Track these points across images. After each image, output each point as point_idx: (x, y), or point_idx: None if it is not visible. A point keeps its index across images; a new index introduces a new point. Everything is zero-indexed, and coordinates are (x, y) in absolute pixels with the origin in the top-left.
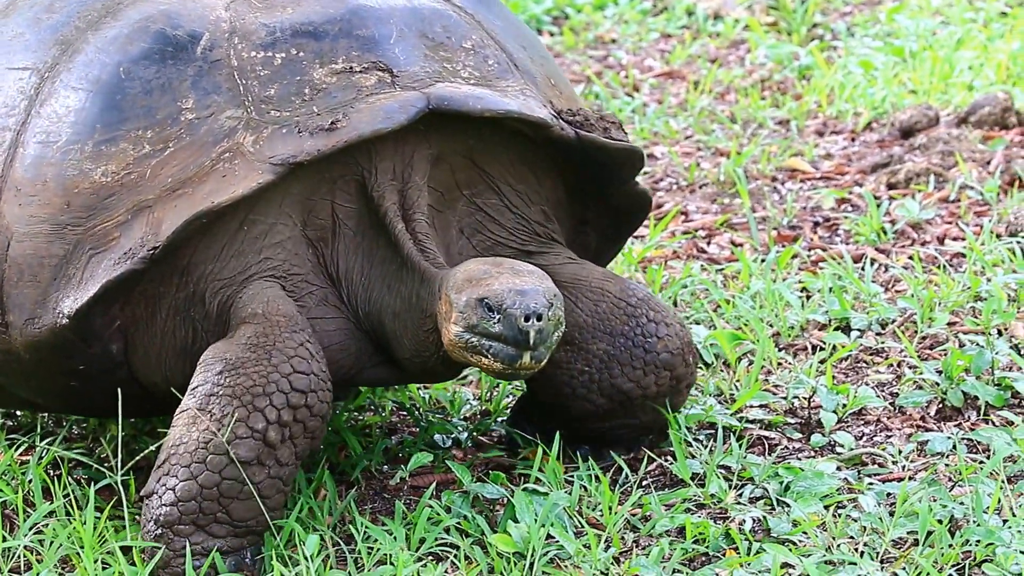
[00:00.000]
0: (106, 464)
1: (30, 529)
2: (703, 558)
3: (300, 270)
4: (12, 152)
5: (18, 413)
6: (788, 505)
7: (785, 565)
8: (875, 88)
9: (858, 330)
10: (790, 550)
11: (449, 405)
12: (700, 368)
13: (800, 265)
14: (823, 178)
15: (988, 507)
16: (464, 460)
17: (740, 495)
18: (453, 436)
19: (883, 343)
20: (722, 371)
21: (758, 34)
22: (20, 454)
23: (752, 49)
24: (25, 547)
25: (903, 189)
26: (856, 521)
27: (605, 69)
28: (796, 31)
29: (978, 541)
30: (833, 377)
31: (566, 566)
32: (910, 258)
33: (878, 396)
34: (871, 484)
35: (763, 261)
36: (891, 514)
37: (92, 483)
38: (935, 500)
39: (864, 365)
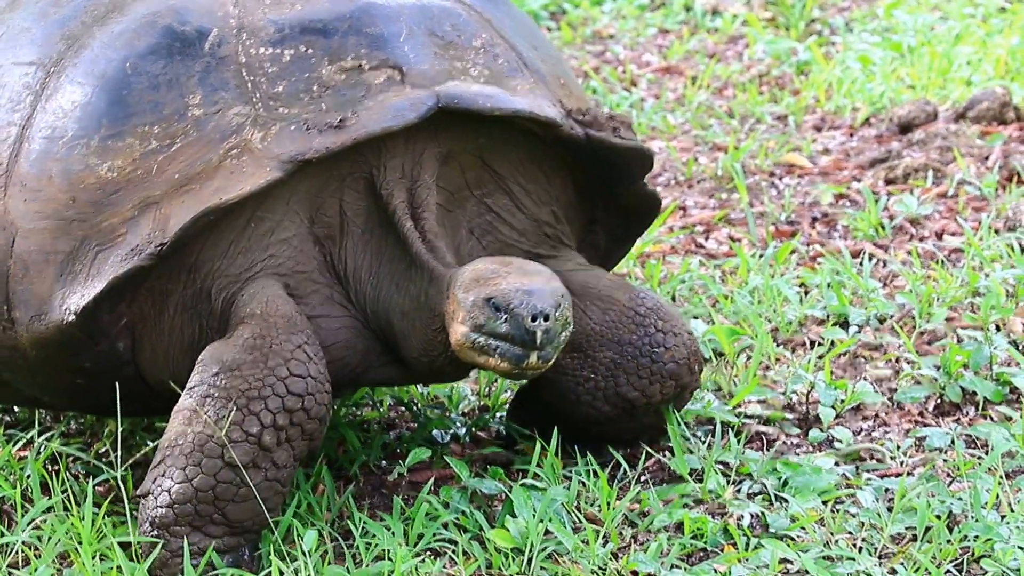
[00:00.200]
0: (104, 460)
1: (28, 525)
2: (701, 553)
3: (305, 268)
4: (17, 147)
5: (16, 408)
6: (786, 501)
7: (783, 561)
8: (873, 83)
9: (856, 325)
10: (788, 545)
11: (447, 401)
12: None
13: (798, 260)
14: (821, 173)
15: (986, 503)
16: (462, 456)
17: (738, 491)
18: (451, 432)
19: (881, 338)
20: (720, 367)
21: (756, 29)
22: (18, 449)
23: (750, 44)
24: (23, 543)
25: (901, 184)
26: (854, 516)
27: (603, 64)
28: (794, 26)
29: (976, 537)
30: (831, 372)
31: (564, 561)
32: (908, 253)
33: (876, 391)
34: (869, 479)
35: (761, 256)
36: (889, 510)
37: (90, 478)
38: (933, 496)
39: (862, 360)
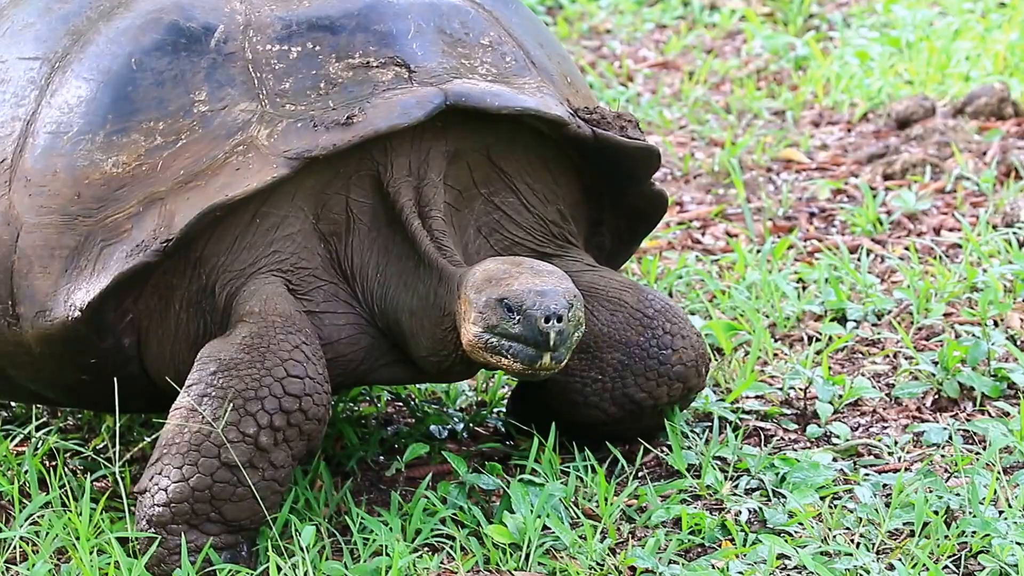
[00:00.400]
0: (103, 455)
1: (26, 520)
2: (699, 549)
3: (309, 264)
4: (22, 142)
5: (13, 404)
6: (784, 496)
7: (781, 556)
8: (871, 79)
9: (854, 321)
10: (786, 541)
11: (445, 396)
12: None
13: (796, 256)
14: (819, 169)
15: (984, 498)
16: (460, 451)
17: (736, 486)
18: (449, 427)
19: (879, 334)
20: (718, 362)
21: (754, 25)
22: (16, 445)
23: (748, 40)
24: (21, 538)
25: (899, 180)
26: (852, 512)
27: (599, 59)
28: (792, 22)
29: (974, 532)
30: (829, 368)
31: (562, 557)
32: (906, 249)
33: (874, 387)
34: (867, 475)
35: (759, 252)
36: (887, 505)
37: (88, 474)
38: (931, 491)
39: (860, 356)
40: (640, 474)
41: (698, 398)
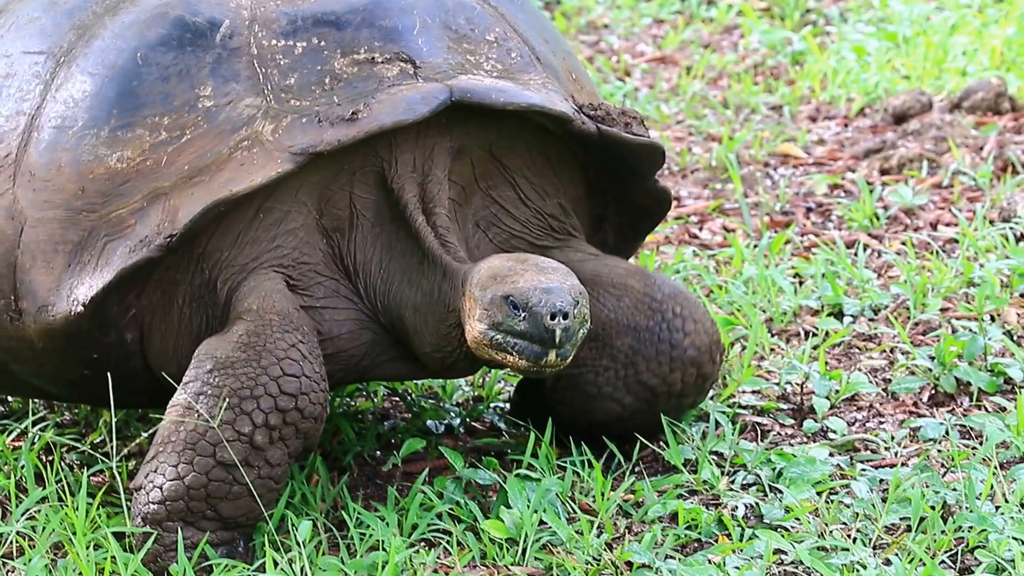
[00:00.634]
0: (99, 450)
1: (22, 515)
2: (696, 544)
3: (311, 259)
4: (27, 137)
5: (9, 398)
6: (781, 491)
7: (778, 551)
8: (868, 74)
9: (851, 316)
10: (783, 536)
11: (441, 391)
12: None
13: (793, 251)
14: (816, 164)
15: (981, 493)
16: (457, 446)
17: (732, 481)
18: (446, 422)
19: (876, 329)
20: None
21: (751, 19)
22: (12, 440)
23: (745, 35)
24: (17, 533)
25: (896, 175)
26: (849, 507)
27: (597, 54)
28: (789, 16)
29: (971, 527)
30: (826, 363)
31: (558, 552)
32: (903, 244)
33: (871, 382)
34: (864, 470)
35: (756, 247)
36: (884, 500)
37: (85, 468)
38: (928, 486)
39: (857, 351)
40: (637, 469)
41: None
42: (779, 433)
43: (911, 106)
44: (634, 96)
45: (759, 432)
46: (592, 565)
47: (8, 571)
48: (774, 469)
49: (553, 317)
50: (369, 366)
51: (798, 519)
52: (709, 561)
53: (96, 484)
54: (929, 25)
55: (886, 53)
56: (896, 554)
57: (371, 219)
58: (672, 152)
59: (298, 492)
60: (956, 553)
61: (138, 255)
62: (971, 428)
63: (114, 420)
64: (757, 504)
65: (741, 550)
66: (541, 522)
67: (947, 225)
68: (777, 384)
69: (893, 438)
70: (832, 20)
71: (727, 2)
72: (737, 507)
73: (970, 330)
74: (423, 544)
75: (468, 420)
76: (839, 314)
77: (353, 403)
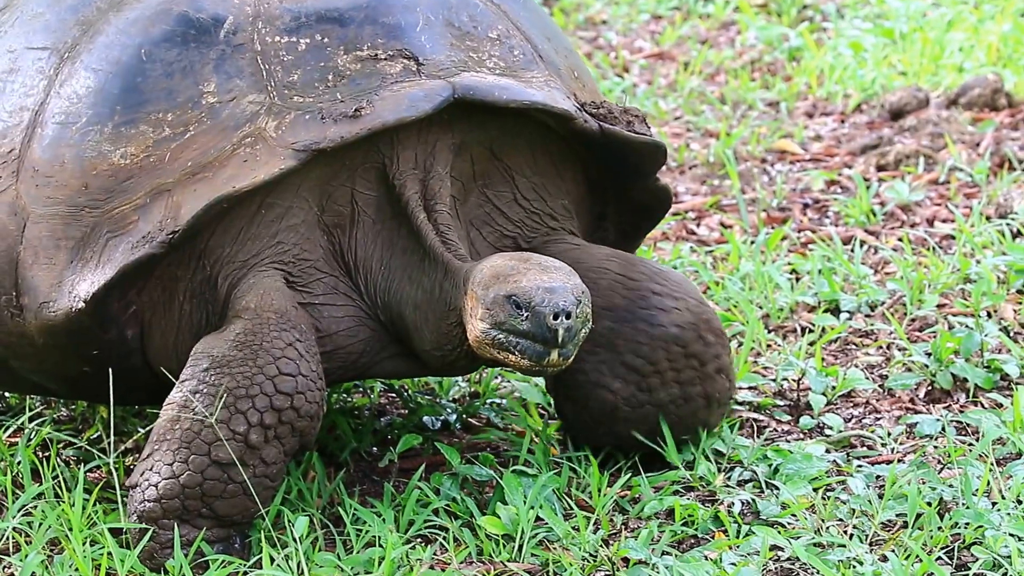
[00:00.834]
0: (96, 446)
1: (19, 511)
2: (692, 540)
3: (311, 256)
4: (30, 132)
5: (6, 395)
6: (777, 488)
7: (774, 547)
8: (865, 70)
9: (847, 312)
10: (779, 532)
11: (438, 387)
12: None
13: (789, 247)
14: (813, 160)
15: (977, 489)
16: (453, 442)
17: (729, 477)
18: (442, 418)
19: (872, 325)
20: None
21: (748, 16)
22: (9, 436)
23: (742, 31)
24: (14, 529)
25: (892, 171)
26: (845, 503)
27: (595, 50)
28: (786, 13)
29: (967, 524)
30: (822, 359)
31: (555, 548)
32: (900, 240)
33: (867, 378)
34: (860, 466)
35: (753, 243)
36: (880, 497)
37: (82, 464)
38: (924, 483)
39: (853, 347)
40: (633, 465)
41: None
42: (775, 429)
43: (908, 102)
44: (632, 92)
45: (755, 428)
46: (588, 561)
47: (4, 567)
48: (770, 465)
49: (556, 317)
50: (369, 363)
51: (794, 515)
52: (705, 557)
53: (93, 480)
54: (926, 21)
55: (883, 49)
56: (893, 550)
57: (372, 216)
58: (670, 148)
59: (294, 488)
60: (952, 549)
61: (140, 251)
62: (967, 424)
63: (112, 415)
64: (753, 500)
65: (737, 546)
66: (538, 518)
67: (944, 221)
68: (773, 380)
69: (889, 434)
70: (829, 16)
71: None
72: (733, 503)
73: (967, 326)
74: (419, 540)
75: (464, 416)
76: (835, 310)
77: (350, 399)
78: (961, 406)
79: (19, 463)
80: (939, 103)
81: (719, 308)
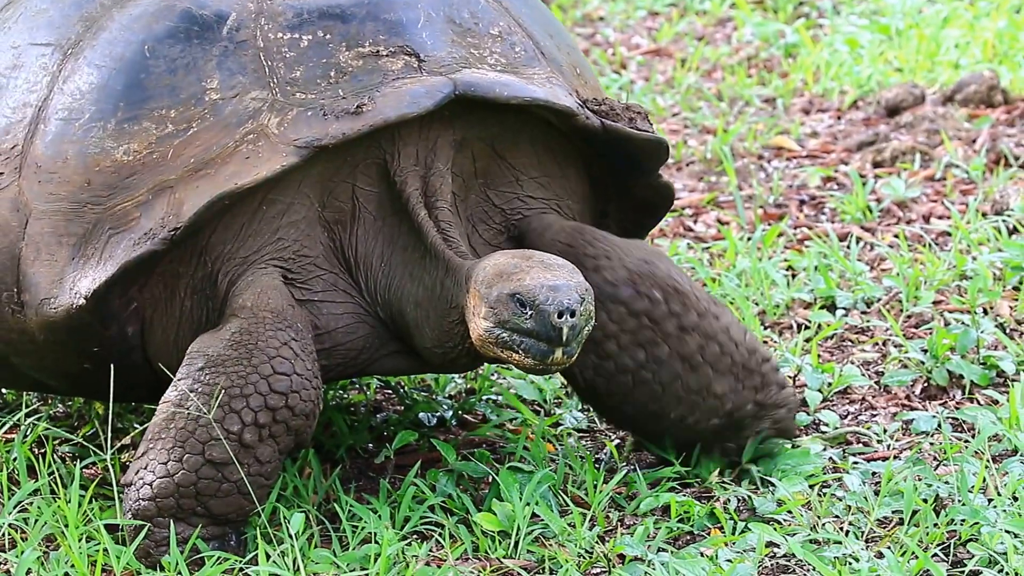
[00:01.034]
0: (92, 442)
1: (15, 507)
2: (688, 537)
3: (311, 252)
4: (33, 128)
5: (3, 391)
6: (773, 484)
7: (770, 544)
8: (861, 66)
9: (843, 309)
10: (775, 529)
11: (434, 383)
12: None
13: (786, 243)
14: (809, 156)
15: (973, 486)
16: (449, 438)
17: (724, 474)
18: (438, 414)
19: (868, 322)
20: None
21: (744, 12)
22: (4, 432)
23: (738, 27)
24: (9, 525)
25: (889, 167)
26: (841, 500)
27: (592, 47)
28: (782, 9)
29: (963, 520)
30: (818, 356)
31: (551, 544)
32: (896, 236)
33: (863, 375)
34: (856, 463)
35: (749, 239)
36: (876, 493)
37: (78, 461)
38: (920, 479)
39: (849, 344)
40: (629, 462)
41: None
42: None
43: (904, 99)
44: (630, 89)
45: None
46: (584, 558)
47: (0, 563)
48: (766, 462)
49: (560, 315)
50: (369, 360)
51: (790, 512)
52: (701, 554)
53: (88, 476)
54: (921, 18)
55: (879, 46)
56: (889, 547)
57: (373, 212)
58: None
59: (290, 485)
60: (948, 546)
61: (142, 248)
62: (963, 421)
63: (111, 412)
64: (749, 497)
65: (733, 543)
66: (533, 515)
67: (940, 218)
68: None
69: (885, 431)
70: (825, 12)
71: None
72: (729, 500)
73: (963, 323)
74: (415, 537)
75: (460, 412)
76: (832, 307)
77: (346, 395)
78: (957, 403)
79: (15, 459)
80: (935, 100)
81: None
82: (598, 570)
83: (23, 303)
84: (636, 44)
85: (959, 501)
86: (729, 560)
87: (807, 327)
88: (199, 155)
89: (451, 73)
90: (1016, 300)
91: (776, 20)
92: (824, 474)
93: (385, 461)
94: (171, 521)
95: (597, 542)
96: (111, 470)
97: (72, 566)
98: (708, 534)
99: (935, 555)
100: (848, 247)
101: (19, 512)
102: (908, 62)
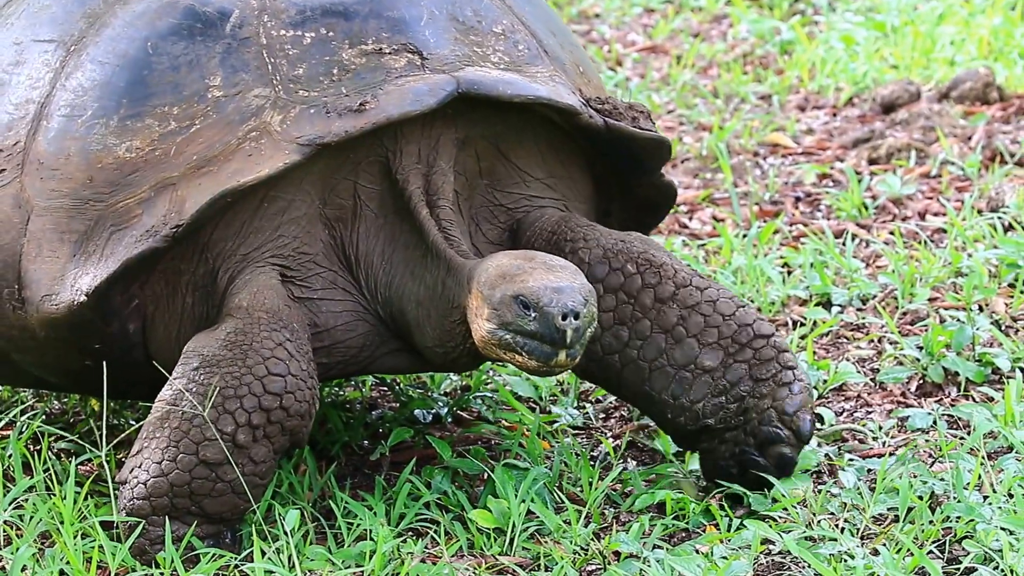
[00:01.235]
0: (88, 439)
1: (10, 504)
2: (683, 534)
3: (311, 250)
4: (35, 125)
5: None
6: (768, 481)
7: (765, 541)
8: (856, 63)
9: (839, 306)
10: (770, 526)
11: (429, 380)
12: None
13: (781, 240)
14: (805, 153)
15: (968, 483)
16: (444, 435)
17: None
18: (433, 411)
19: (864, 319)
20: None
21: (740, 9)
22: (0, 429)
23: (734, 24)
24: (5, 522)
25: (884, 164)
26: (836, 497)
27: (588, 43)
28: (778, 6)
29: (958, 517)
30: (814, 353)
31: (546, 541)
32: (891, 233)
33: (859, 372)
34: (851, 460)
35: (745, 236)
36: (871, 490)
37: (73, 457)
38: (915, 476)
39: (845, 341)
40: (625, 458)
41: None
42: None
43: (899, 96)
44: (625, 85)
45: None
46: (580, 555)
47: None
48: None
49: (565, 317)
50: (369, 358)
51: (786, 509)
52: (696, 551)
53: (84, 473)
54: (917, 15)
55: (874, 43)
56: (884, 544)
57: (375, 210)
58: None
59: (285, 482)
60: (944, 543)
61: (144, 245)
62: (959, 418)
63: (107, 409)
64: (745, 494)
65: (729, 540)
66: (529, 511)
67: (935, 215)
68: None
69: (881, 428)
70: (820, 9)
71: None
72: (725, 497)
73: (958, 320)
74: (411, 534)
75: (456, 409)
76: (827, 304)
77: (341, 392)
78: (952, 400)
79: (10, 456)
80: (931, 97)
81: None
82: (593, 567)
83: (24, 300)
84: (632, 41)
85: (954, 498)
86: (724, 557)
87: (803, 324)
88: (202, 152)
89: (454, 71)
90: (1012, 297)
91: (772, 17)
92: (819, 471)
93: (380, 458)
94: (166, 519)
95: (592, 539)
96: (106, 467)
97: (67, 563)
98: (703, 531)
99: (930, 552)
100: (844, 244)
101: (14, 509)
102: (904, 59)
